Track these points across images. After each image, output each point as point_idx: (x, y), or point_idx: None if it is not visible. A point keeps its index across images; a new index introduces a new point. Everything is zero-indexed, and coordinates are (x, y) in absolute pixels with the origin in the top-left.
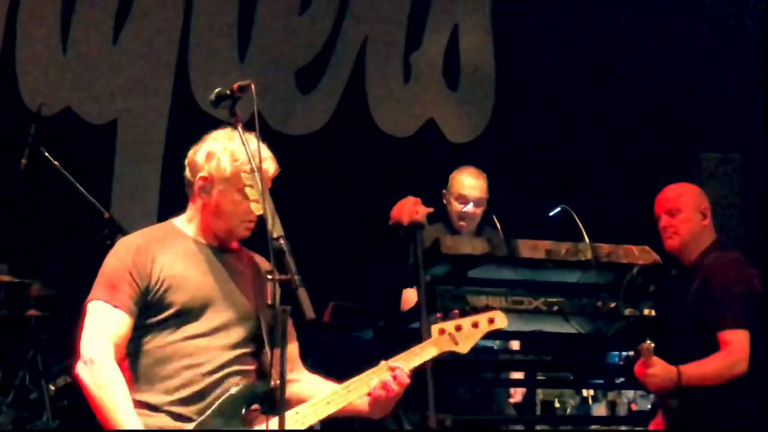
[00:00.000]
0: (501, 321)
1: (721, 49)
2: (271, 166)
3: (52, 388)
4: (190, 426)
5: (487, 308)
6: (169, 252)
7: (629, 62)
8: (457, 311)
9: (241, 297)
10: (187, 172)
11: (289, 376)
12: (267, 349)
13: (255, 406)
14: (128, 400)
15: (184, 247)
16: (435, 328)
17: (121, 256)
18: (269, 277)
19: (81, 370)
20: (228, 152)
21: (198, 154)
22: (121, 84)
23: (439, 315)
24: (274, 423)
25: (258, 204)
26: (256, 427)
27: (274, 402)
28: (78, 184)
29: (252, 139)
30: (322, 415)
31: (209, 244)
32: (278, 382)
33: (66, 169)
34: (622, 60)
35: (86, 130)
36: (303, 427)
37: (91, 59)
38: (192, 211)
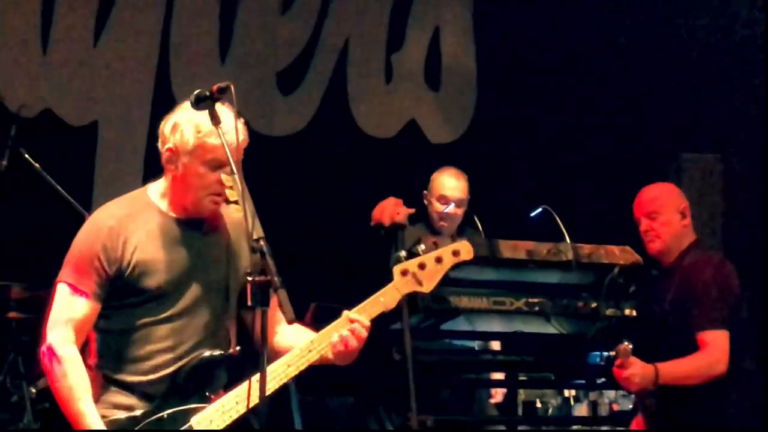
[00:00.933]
0: (466, 252)
1: (704, 49)
2: (234, 137)
3: (33, 390)
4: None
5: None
6: (141, 233)
7: (610, 62)
8: (424, 246)
9: (214, 272)
10: (159, 143)
11: (272, 330)
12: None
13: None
14: (87, 391)
15: (156, 225)
16: (397, 270)
17: (92, 238)
18: (248, 278)
19: (44, 356)
20: (192, 124)
21: (166, 125)
22: (101, 85)
23: (403, 253)
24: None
25: (238, 206)
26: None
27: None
28: (58, 186)
29: (230, 132)
30: (284, 380)
31: (180, 219)
32: (237, 349)
33: (46, 170)
34: (603, 60)
35: (67, 131)
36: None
37: (71, 60)
38: (164, 183)
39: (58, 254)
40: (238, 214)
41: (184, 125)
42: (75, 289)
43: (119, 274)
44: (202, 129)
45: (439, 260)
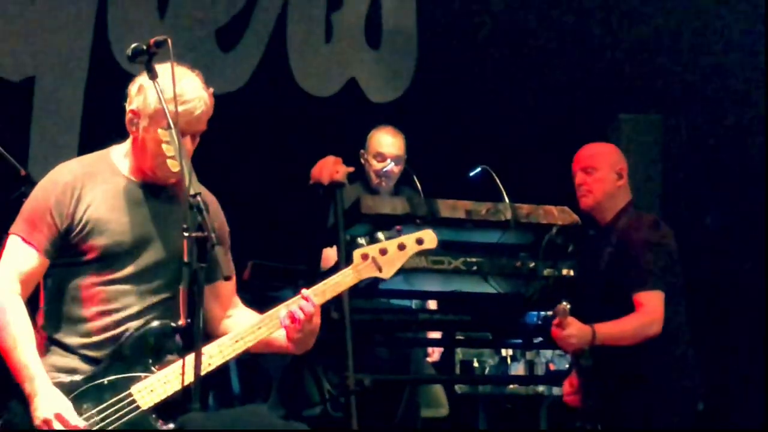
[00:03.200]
0: (430, 240)
1: (644, 8)
2: (198, 106)
3: None
4: (96, 368)
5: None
6: (97, 191)
7: (551, 22)
8: (399, 228)
9: (168, 240)
10: (126, 103)
11: (224, 314)
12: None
13: (170, 357)
14: (31, 341)
15: (114, 186)
16: (357, 253)
17: (47, 192)
18: (185, 234)
19: None
20: (156, 89)
21: (133, 86)
22: (38, 41)
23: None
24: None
25: (174, 161)
26: (169, 368)
27: (184, 341)
28: None
29: (191, 100)
30: (231, 354)
31: (140, 182)
32: (186, 321)
33: None
34: (543, 20)
35: (3, 86)
36: (210, 369)
37: (8, 15)
38: (128, 144)
39: None
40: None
41: (149, 88)
42: (25, 241)
43: (69, 230)
44: (166, 95)
45: (401, 247)
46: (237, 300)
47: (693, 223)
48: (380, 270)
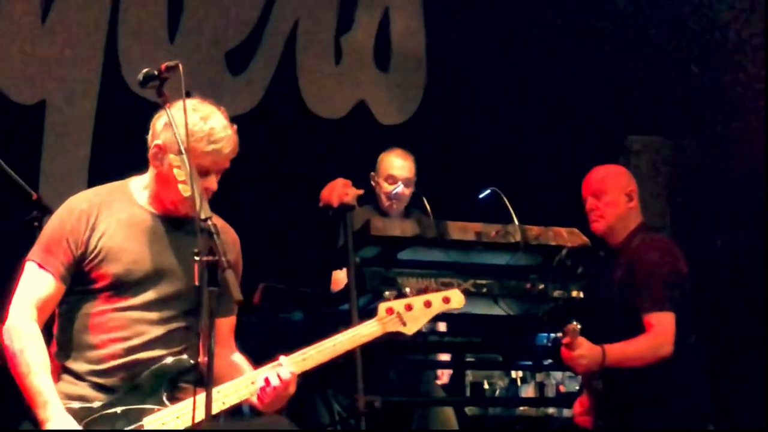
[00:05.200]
0: (457, 301)
1: (654, 31)
2: (228, 145)
3: None
4: (110, 396)
5: (444, 286)
6: (112, 219)
7: (560, 44)
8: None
9: (182, 271)
10: (148, 136)
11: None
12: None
13: (184, 385)
14: (44, 367)
15: (130, 215)
16: (383, 307)
17: (63, 220)
18: (196, 258)
19: (4, 333)
20: (169, 117)
21: (159, 120)
22: (49, 64)
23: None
24: (200, 398)
25: (185, 185)
26: (182, 403)
27: (198, 377)
28: (5, 165)
29: (221, 140)
30: (220, 408)
31: (158, 215)
32: (205, 359)
33: None
34: (552, 42)
35: (14, 110)
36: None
37: (19, 38)
38: (148, 176)
39: (4, 234)
40: (222, 222)
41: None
42: (41, 267)
43: (83, 257)
44: (194, 133)
45: (428, 305)
46: (233, 342)
47: (702, 244)
48: (404, 325)
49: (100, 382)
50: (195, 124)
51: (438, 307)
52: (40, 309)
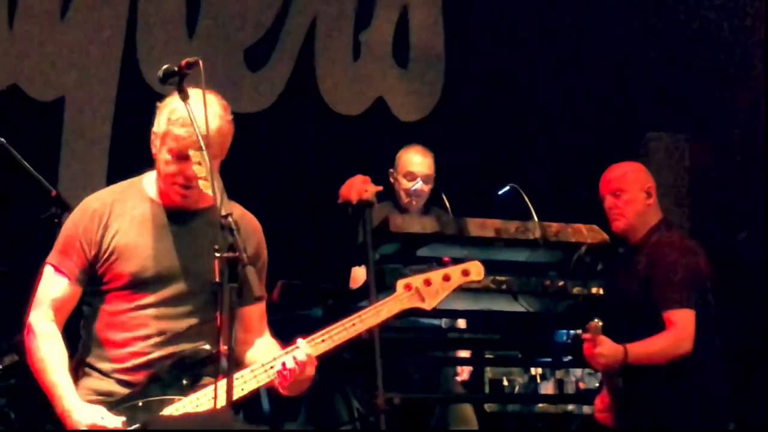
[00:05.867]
0: (476, 272)
1: (672, 28)
2: (214, 122)
3: (0, 366)
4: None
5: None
6: (125, 217)
7: (580, 41)
8: (447, 259)
9: (198, 264)
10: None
11: (247, 338)
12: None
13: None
14: (61, 364)
15: (142, 212)
16: (401, 283)
17: (76, 221)
18: (216, 255)
19: (26, 336)
20: (168, 109)
21: (159, 108)
22: (68, 60)
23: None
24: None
25: (206, 182)
26: (202, 391)
27: (218, 367)
28: (25, 162)
29: (202, 114)
30: (264, 380)
31: (168, 207)
32: (224, 348)
33: (13, 146)
34: (572, 39)
35: (33, 106)
36: (243, 394)
37: (38, 35)
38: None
39: (24, 231)
40: (241, 210)
41: (162, 110)
42: (57, 270)
43: (97, 258)
44: (173, 116)
45: (447, 278)
46: (264, 327)
47: (722, 240)
48: (423, 300)
49: (125, 379)
50: (176, 108)
51: (457, 280)
52: (56, 310)
